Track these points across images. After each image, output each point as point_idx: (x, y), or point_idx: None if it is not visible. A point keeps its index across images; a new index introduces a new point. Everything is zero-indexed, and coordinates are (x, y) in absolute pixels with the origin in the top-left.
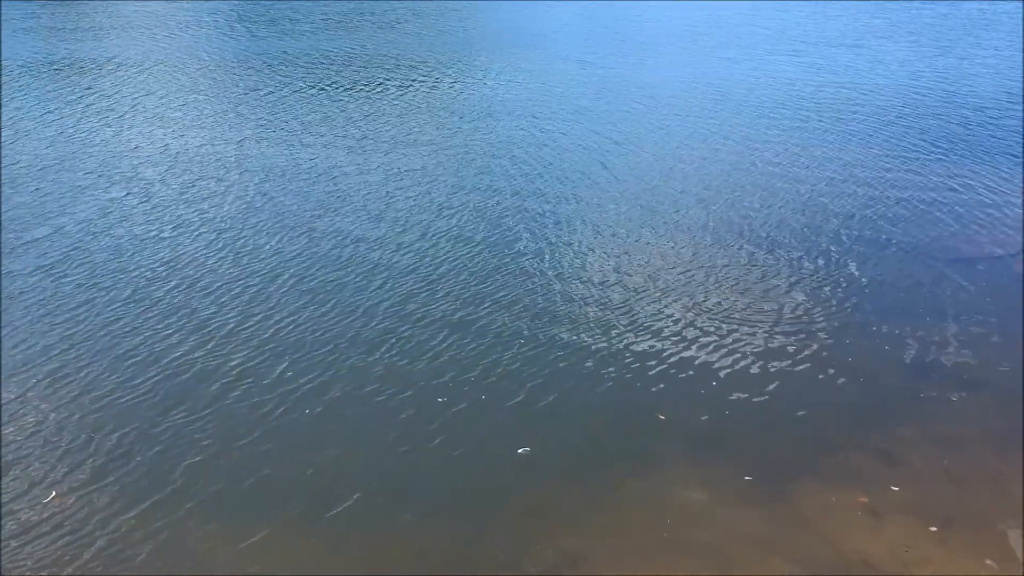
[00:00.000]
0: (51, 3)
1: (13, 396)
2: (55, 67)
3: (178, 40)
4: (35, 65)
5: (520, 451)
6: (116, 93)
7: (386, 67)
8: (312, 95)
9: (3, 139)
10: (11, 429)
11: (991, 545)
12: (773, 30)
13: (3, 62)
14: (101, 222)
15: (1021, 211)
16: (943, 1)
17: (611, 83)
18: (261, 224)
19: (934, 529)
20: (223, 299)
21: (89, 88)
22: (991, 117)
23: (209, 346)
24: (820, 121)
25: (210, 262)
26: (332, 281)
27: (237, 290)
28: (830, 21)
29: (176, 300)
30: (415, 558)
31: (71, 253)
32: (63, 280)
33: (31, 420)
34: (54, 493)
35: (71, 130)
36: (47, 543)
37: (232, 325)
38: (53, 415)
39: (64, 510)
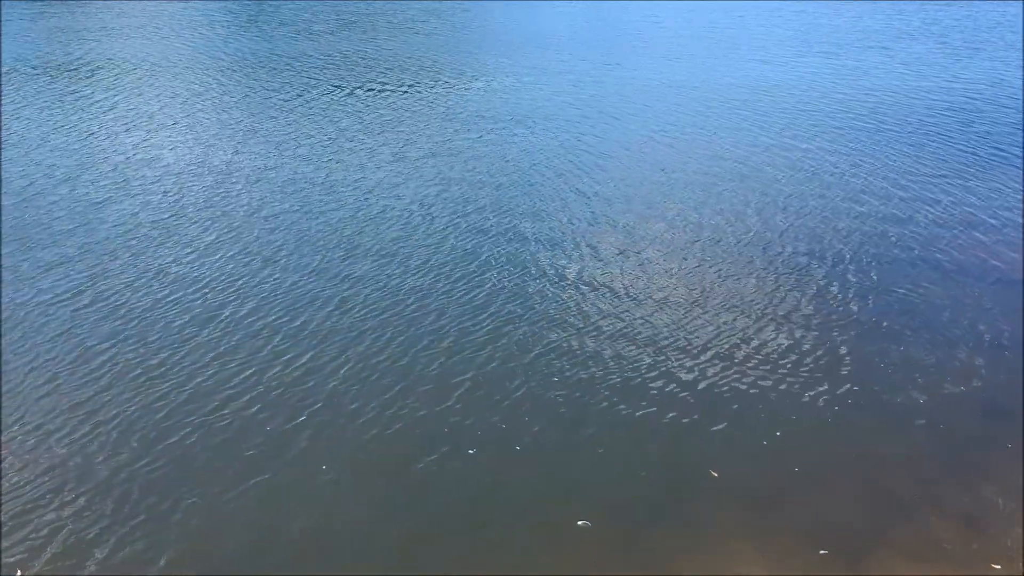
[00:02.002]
0: (58, 2)
1: (30, 457)
2: (64, 70)
3: (192, 42)
4: (43, 67)
5: (580, 523)
6: (129, 97)
7: (407, 70)
8: (332, 100)
9: (12, 147)
10: (26, 498)
11: None
12: (793, 31)
13: (10, 64)
14: (123, 242)
15: None
16: (959, 2)
17: (643, 86)
18: (297, 242)
19: None
20: (264, 333)
21: (101, 92)
22: None
23: (255, 392)
24: (864, 127)
25: (246, 289)
26: (381, 312)
27: (279, 322)
28: (849, 22)
29: (213, 336)
30: None
31: (94, 277)
32: (86, 310)
33: (52, 489)
34: (19, 572)
35: (84, 137)
36: None
37: (278, 368)
38: (76, 481)
39: None
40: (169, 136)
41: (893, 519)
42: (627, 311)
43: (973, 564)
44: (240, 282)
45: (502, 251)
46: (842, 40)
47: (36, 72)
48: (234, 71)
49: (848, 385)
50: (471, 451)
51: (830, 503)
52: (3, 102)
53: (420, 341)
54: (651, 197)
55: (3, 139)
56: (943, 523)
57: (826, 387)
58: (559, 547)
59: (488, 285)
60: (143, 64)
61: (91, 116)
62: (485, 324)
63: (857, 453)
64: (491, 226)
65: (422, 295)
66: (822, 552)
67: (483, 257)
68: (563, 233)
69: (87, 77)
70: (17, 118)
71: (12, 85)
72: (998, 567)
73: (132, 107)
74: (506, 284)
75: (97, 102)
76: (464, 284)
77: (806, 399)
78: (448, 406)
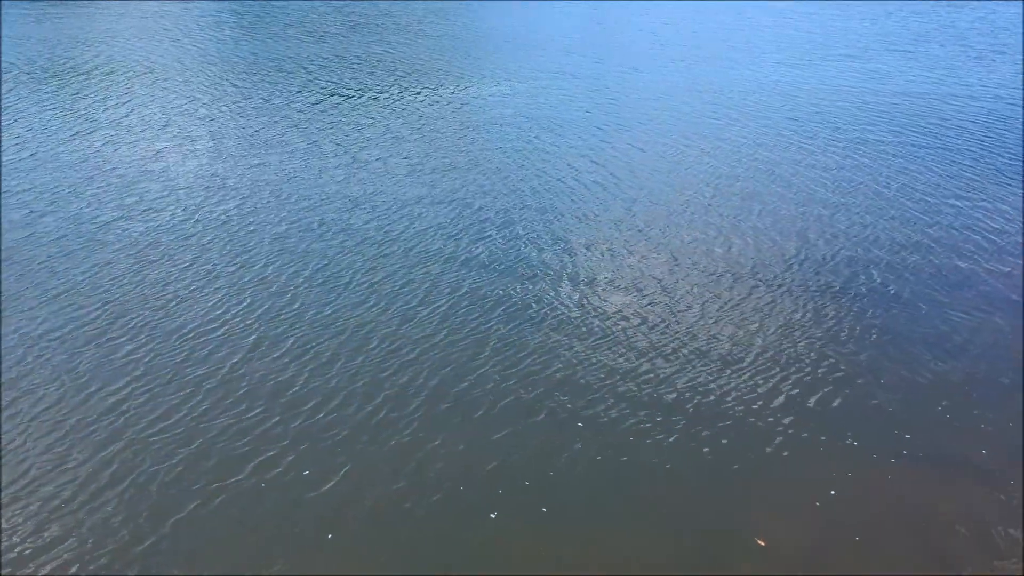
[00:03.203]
0: (60, 3)
1: (28, 523)
2: (68, 74)
3: (198, 44)
4: (45, 72)
5: None
6: (137, 104)
7: (421, 74)
8: (345, 107)
9: (14, 159)
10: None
11: None
12: (807, 33)
13: (11, 68)
14: (133, 267)
15: None
16: (971, 3)
17: (665, 90)
18: (319, 267)
19: None
20: (288, 376)
21: (106, 99)
22: None
23: (276, 447)
24: (894, 134)
25: (267, 323)
26: (414, 350)
27: (304, 362)
28: (862, 25)
29: (232, 379)
30: None
31: (103, 307)
32: (94, 348)
33: (52, 560)
34: None
35: (90, 148)
36: None
37: (302, 419)
38: (78, 554)
39: None
40: (179, 146)
41: None
42: (672, 353)
43: None
44: (260, 315)
45: (540, 278)
46: (858, 42)
47: (38, 77)
48: (242, 75)
49: (901, 434)
50: (492, 515)
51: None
52: (3, 110)
53: (455, 386)
54: (692, 215)
55: (3, 150)
56: None
57: (881, 437)
58: None
59: (528, 319)
60: (149, 68)
61: (97, 125)
62: (521, 365)
63: (919, 515)
64: (525, 249)
65: (457, 330)
66: None
67: (520, 285)
68: (604, 257)
69: (92, 82)
70: (18, 128)
71: (13, 91)
72: None
73: (139, 115)
74: (547, 318)
75: (102, 110)
76: (502, 316)
77: (860, 452)
78: (477, 465)
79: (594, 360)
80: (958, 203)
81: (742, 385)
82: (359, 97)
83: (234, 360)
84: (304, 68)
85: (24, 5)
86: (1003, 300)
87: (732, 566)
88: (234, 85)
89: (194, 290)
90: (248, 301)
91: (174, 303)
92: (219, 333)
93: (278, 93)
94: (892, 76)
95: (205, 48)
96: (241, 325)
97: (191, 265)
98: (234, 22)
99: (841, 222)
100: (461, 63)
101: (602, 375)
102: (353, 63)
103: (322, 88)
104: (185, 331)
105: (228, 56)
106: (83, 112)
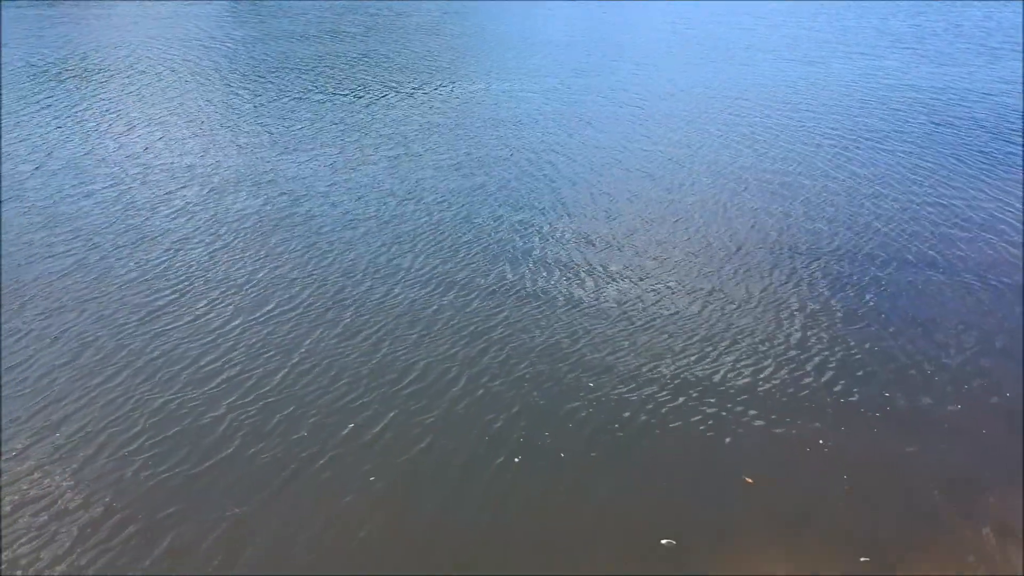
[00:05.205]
0: (77, 3)
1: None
2: (73, 78)
3: (210, 44)
4: (49, 76)
5: (664, 543)
6: (151, 107)
7: (439, 72)
8: (363, 106)
9: (16, 171)
10: None
11: None
12: (817, 31)
13: (13, 71)
14: (156, 286)
15: None
16: (981, 1)
17: (686, 89)
18: (354, 286)
19: None
20: (372, 423)
21: (117, 103)
22: None
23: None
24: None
25: (328, 345)
26: (508, 389)
27: (340, 394)
28: (878, 22)
29: (285, 414)
30: None
31: (113, 345)
32: (106, 384)
33: None
34: None
35: (103, 156)
36: None
37: (339, 456)
38: None
39: None
40: (213, 147)
41: (930, 530)
42: (674, 320)
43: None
44: (297, 346)
45: (605, 283)
46: (867, 40)
47: (42, 82)
48: (267, 75)
49: (883, 398)
50: (516, 458)
51: (866, 515)
52: (4, 116)
53: (546, 428)
54: (740, 212)
55: (33, 153)
56: (976, 533)
57: (862, 400)
58: (579, 553)
59: (615, 343)
60: (173, 70)
61: (109, 131)
62: (611, 395)
63: (892, 465)
64: (574, 262)
65: (542, 358)
66: (862, 559)
67: (580, 292)
68: (679, 262)
69: (100, 84)
70: (21, 135)
71: (39, 93)
72: None
73: (157, 118)
74: (634, 339)
75: (114, 114)
76: (588, 344)
77: (840, 410)
78: (495, 451)
79: (623, 366)
80: (992, 202)
81: (735, 344)
82: (385, 96)
83: (264, 408)
84: (328, 67)
85: (41, 6)
86: (967, 271)
87: (726, 505)
88: (260, 85)
89: (224, 314)
90: (305, 305)
91: (199, 331)
92: (251, 367)
93: (305, 92)
94: (906, 73)
95: (227, 49)
96: (271, 358)
97: (225, 286)
98: (253, 22)
99: (879, 221)
100: (482, 62)
101: (626, 356)
102: (377, 62)
103: (348, 87)
104: (211, 364)
105: (251, 56)
106: (93, 120)
